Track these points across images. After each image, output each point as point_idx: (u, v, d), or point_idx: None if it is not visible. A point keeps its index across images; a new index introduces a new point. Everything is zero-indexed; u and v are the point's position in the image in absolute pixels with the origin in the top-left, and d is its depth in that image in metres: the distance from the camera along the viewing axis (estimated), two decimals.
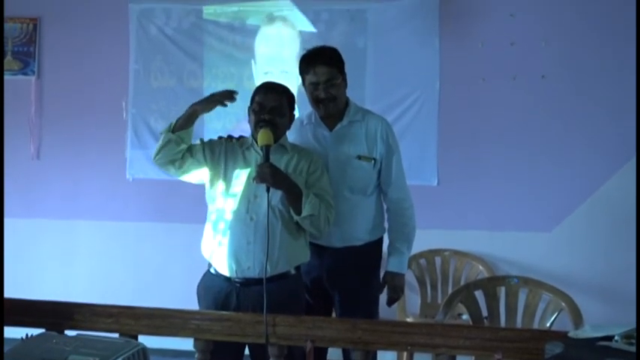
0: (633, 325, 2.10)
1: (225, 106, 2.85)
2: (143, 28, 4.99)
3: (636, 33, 4.08)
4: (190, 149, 2.85)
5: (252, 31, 4.89)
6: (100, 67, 5.06)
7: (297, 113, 3.02)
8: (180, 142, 2.78)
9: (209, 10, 4.92)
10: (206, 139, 2.96)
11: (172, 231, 4.92)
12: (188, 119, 2.80)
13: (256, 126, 2.77)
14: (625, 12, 4.39)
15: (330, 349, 3.02)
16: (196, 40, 4.94)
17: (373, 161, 3.00)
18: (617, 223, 4.45)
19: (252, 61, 4.88)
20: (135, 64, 5.01)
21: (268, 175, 2.63)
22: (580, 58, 4.50)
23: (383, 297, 3.10)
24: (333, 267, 3.01)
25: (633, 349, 1.96)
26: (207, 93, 4.83)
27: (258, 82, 4.52)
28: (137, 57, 5.01)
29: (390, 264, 3.06)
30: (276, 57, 4.84)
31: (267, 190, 2.64)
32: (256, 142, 2.77)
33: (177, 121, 2.81)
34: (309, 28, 4.79)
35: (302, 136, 3.05)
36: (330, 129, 3.02)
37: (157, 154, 2.83)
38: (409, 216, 3.08)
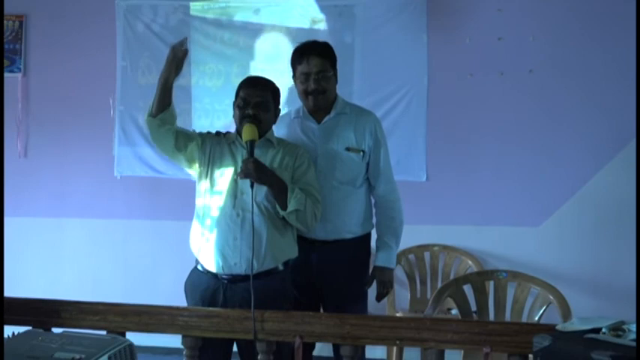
0: (620, 318, 2.12)
1: (186, 54, 2.70)
2: (130, 25, 4.97)
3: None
4: (188, 135, 2.84)
5: (240, 28, 4.87)
6: (87, 64, 5.02)
7: (284, 109, 3.01)
8: (163, 123, 2.72)
9: (196, 7, 4.90)
10: None
11: (161, 228, 4.90)
12: (163, 92, 2.69)
13: (241, 121, 2.76)
14: (613, 7, 4.42)
15: (321, 345, 3.02)
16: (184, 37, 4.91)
17: (362, 153, 2.99)
18: (604, 217, 4.48)
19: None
20: (122, 61, 4.99)
21: (252, 171, 2.62)
22: (568, 53, 4.51)
23: (372, 292, 3.10)
24: (322, 263, 3.00)
25: (620, 341, 1.97)
26: (195, 90, 4.92)
27: None
28: (124, 54, 4.98)
29: (378, 259, 3.06)
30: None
31: (252, 186, 2.63)
32: (241, 138, 2.75)
33: (153, 101, 2.72)
34: (299, 23, 4.78)
35: (290, 130, 3.04)
36: (318, 122, 3.01)
37: (157, 146, 2.83)
38: (397, 210, 3.08)
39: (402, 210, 3.10)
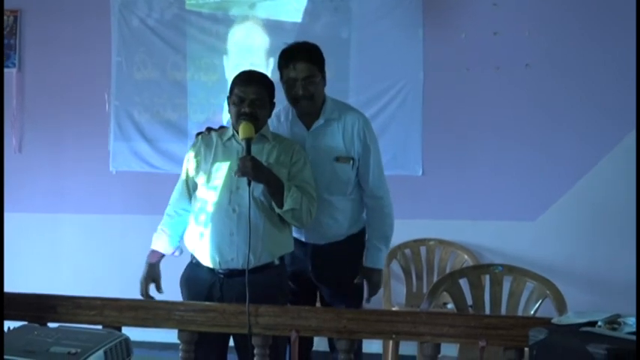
0: (616, 311, 2.12)
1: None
2: (125, 20, 4.95)
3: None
4: (188, 194, 2.93)
5: (236, 22, 4.86)
6: (82, 59, 5.01)
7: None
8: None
9: (191, 1, 4.88)
10: (189, 137, 2.93)
11: (157, 223, 4.79)
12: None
13: (237, 119, 2.73)
14: (608, 1, 4.41)
15: (318, 340, 3.02)
16: (179, 32, 4.91)
17: (351, 161, 2.95)
18: (600, 211, 4.48)
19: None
20: (117, 56, 4.98)
21: (249, 169, 2.61)
22: (564, 47, 4.50)
23: None
24: (318, 260, 3.02)
25: (616, 334, 1.97)
26: (190, 84, 4.91)
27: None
28: (119, 49, 4.97)
29: (366, 260, 3.04)
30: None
31: (249, 183, 2.62)
32: (237, 133, 2.73)
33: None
34: (294, 17, 4.76)
35: (279, 133, 2.97)
36: (307, 127, 2.97)
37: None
38: (387, 213, 3.05)
39: (393, 213, 3.07)
